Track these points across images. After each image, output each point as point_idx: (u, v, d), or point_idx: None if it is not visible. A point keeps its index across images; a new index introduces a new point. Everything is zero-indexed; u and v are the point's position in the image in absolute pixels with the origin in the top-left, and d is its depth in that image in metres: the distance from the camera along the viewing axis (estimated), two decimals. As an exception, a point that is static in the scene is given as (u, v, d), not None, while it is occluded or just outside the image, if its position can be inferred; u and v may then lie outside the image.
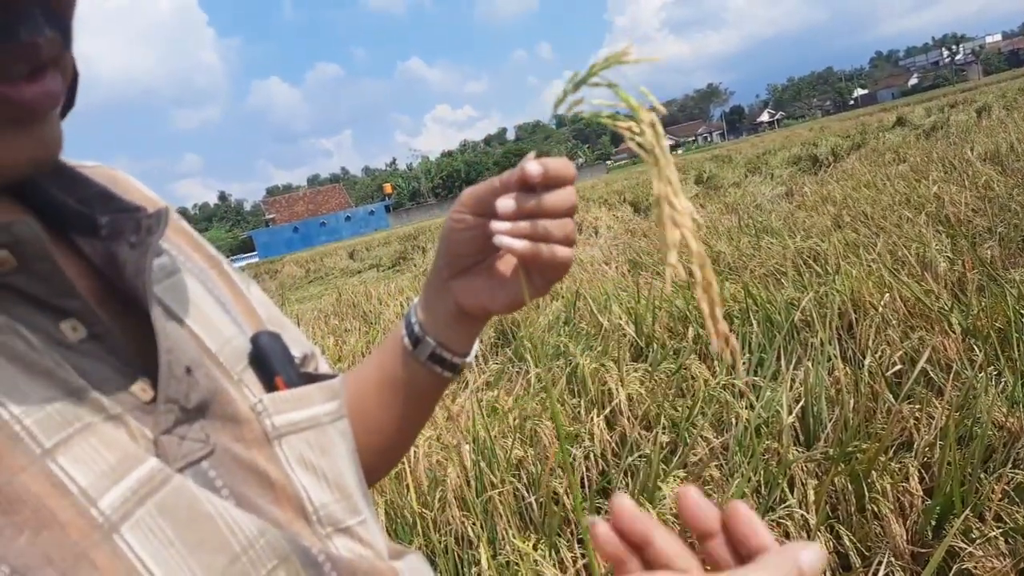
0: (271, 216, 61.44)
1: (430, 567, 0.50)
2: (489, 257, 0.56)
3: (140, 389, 0.36)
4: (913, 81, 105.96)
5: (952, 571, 1.57)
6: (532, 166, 0.49)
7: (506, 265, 0.56)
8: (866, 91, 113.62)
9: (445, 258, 0.57)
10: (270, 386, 0.43)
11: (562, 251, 0.51)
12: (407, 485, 2.28)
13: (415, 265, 13.21)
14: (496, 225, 0.51)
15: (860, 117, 28.61)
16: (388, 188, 66.92)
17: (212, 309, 0.44)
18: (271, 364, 0.44)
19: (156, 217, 0.41)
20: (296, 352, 0.49)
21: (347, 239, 41.15)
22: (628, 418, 2.60)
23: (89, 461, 0.31)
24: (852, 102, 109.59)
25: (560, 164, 0.50)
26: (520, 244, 0.50)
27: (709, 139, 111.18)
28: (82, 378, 0.33)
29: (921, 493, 1.84)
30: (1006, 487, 1.78)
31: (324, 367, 0.55)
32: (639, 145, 0.41)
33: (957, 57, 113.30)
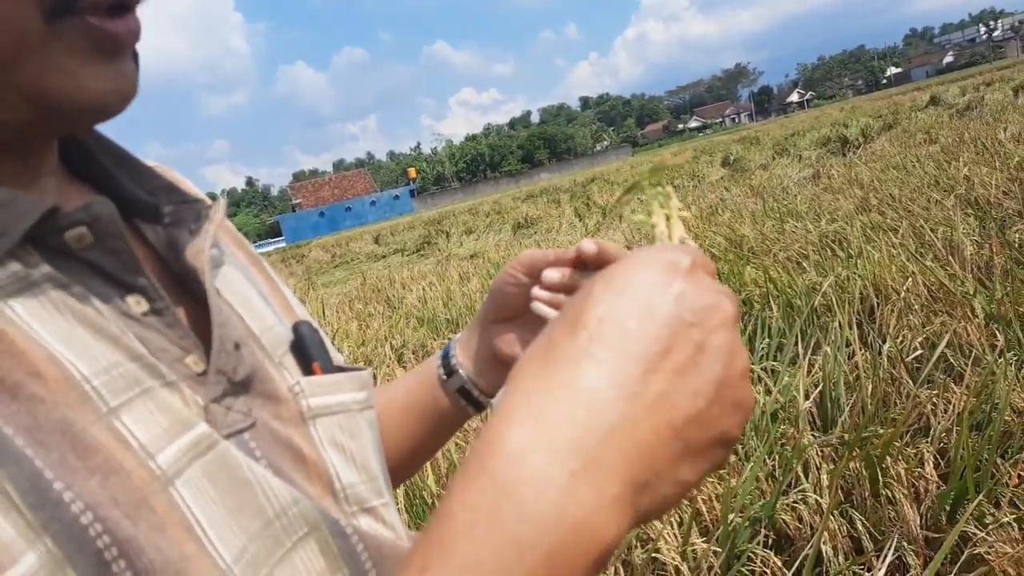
0: (297, 201, 61.99)
1: None
2: (530, 315, 0.60)
3: (192, 361, 0.39)
4: (948, 59, 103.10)
5: (964, 556, 1.58)
6: (588, 244, 0.53)
7: (541, 327, 0.59)
8: (899, 70, 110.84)
9: (490, 305, 0.62)
10: (307, 371, 0.46)
11: None
12: (425, 467, 2.33)
13: (439, 250, 13.28)
14: (537, 292, 0.56)
15: (892, 97, 27.98)
16: (412, 172, 67.10)
17: (255, 299, 0.48)
18: (309, 351, 0.47)
19: (214, 208, 0.45)
20: None
21: (372, 223, 41.40)
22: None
23: (148, 421, 0.34)
24: (885, 81, 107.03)
25: (614, 249, 0.53)
26: (553, 315, 0.54)
27: (737, 120, 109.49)
28: (143, 346, 0.37)
29: (936, 478, 1.83)
30: (1021, 473, 1.77)
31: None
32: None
33: (995, 33, 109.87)
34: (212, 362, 0.39)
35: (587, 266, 0.54)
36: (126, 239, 0.38)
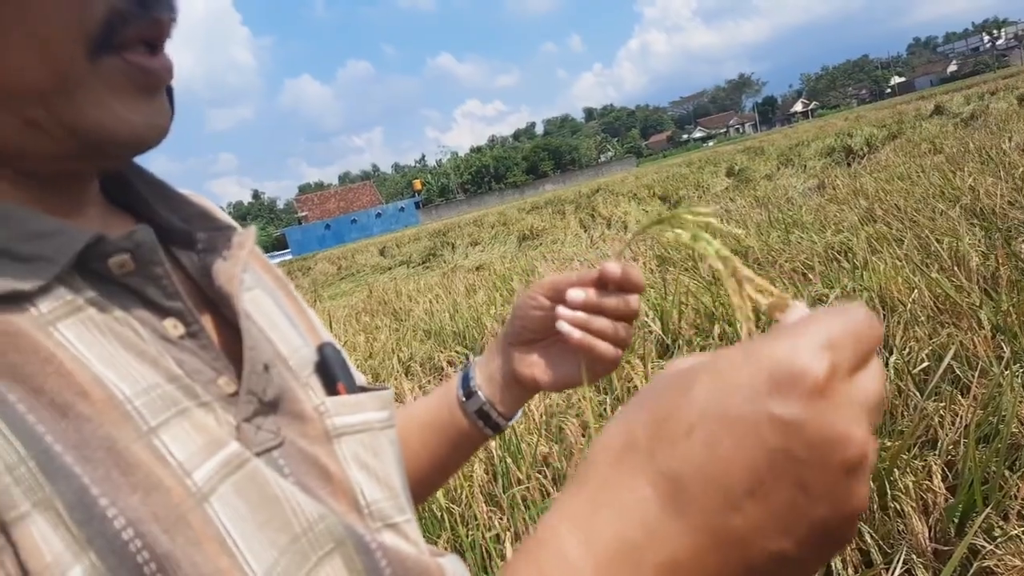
0: (303, 214, 62.24)
1: (466, 569, 0.54)
2: (550, 338, 0.62)
3: (224, 383, 0.41)
4: (952, 68, 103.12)
5: (973, 568, 1.58)
6: (612, 266, 0.56)
7: (561, 349, 0.62)
8: (903, 79, 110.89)
9: (512, 327, 0.63)
10: (332, 391, 0.48)
11: (611, 350, 0.58)
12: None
13: (444, 261, 13.31)
14: (562, 311, 0.58)
15: (897, 106, 28.00)
16: (418, 184, 67.32)
17: (282, 322, 0.50)
18: (333, 372, 0.49)
19: (246, 235, 0.48)
20: None
21: (378, 236, 41.50)
22: (652, 415, 2.62)
23: (184, 440, 0.36)
24: (889, 90, 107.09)
25: (636, 273, 0.57)
26: (577, 334, 0.58)
27: (741, 130, 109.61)
28: (179, 368, 0.39)
29: (944, 491, 1.84)
30: (1030, 485, 1.77)
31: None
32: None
33: (999, 42, 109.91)
34: (243, 383, 0.41)
35: (609, 286, 0.56)
36: (165, 266, 0.40)
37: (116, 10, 0.37)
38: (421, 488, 0.67)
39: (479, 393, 0.65)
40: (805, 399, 0.26)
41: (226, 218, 0.53)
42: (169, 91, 0.45)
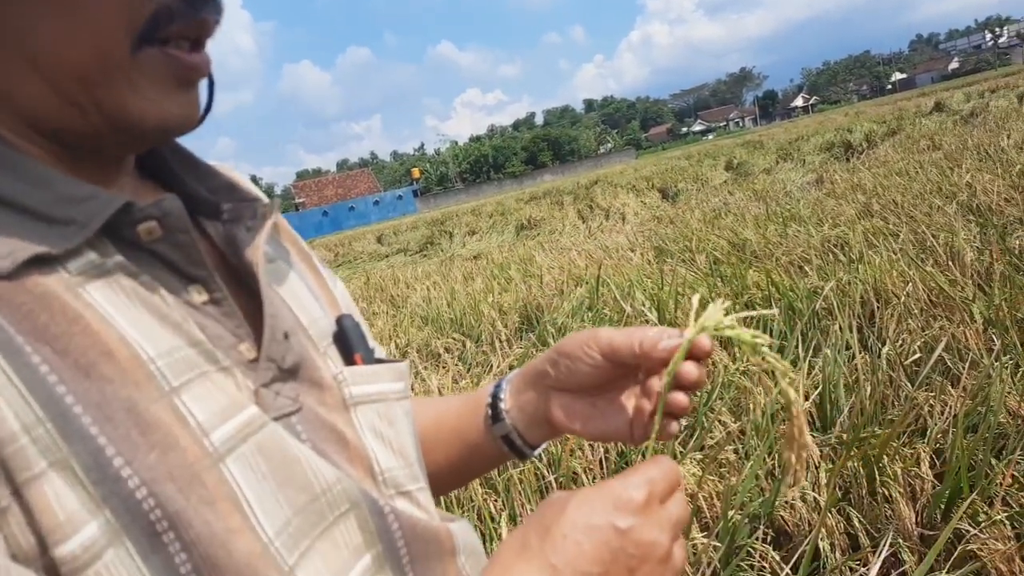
0: (301, 200, 62.00)
1: (475, 533, 0.55)
2: (597, 391, 0.59)
3: (245, 349, 0.43)
4: (954, 65, 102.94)
5: (957, 552, 1.62)
6: (707, 341, 0.53)
7: (608, 403, 0.59)
8: (904, 75, 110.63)
9: (557, 372, 0.59)
10: (350, 361, 0.49)
11: (675, 426, 0.55)
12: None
13: (442, 250, 13.31)
14: (655, 385, 0.54)
15: (897, 102, 27.98)
16: (416, 173, 67.02)
17: (304, 293, 0.51)
18: (351, 343, 0.51)
19: (270, 207, 0.49)
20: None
21: (375, 223, 41.39)
22: (647, 402, 2.65)
23: (205, 402, 0.38)
24: (890, 87, 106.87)
25: (709, 344, 0.54)
26: (675, 428, 0.55)
27: (741, 124, 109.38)
28: (202, 333, 0.41)
29: (931, 478, 1.87)
30: (1015, 473, 1.81)
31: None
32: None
33: (1001, 40, 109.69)
34: (263, 350, 0.42)
35: (701, 360, 0.53)
36: (191, 234, 0.42)
37: (165, 6, 0.39)
38: (439, 487, 0.66)
39: (506, 420, 0.62)
40: (633, 515, 0.42)
41: (253, 190, 0.55)
42: (211, 84, 0.47)
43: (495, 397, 0.63)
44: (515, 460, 0.65)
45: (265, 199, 0.52)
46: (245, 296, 0.45)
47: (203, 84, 0.47)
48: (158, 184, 0.49)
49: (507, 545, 0.44)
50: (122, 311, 0.38)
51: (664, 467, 0.46)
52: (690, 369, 0.52)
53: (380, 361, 0.52)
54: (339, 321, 0.52)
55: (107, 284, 0.38)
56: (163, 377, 0.37)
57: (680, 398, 0.53)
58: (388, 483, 0.47)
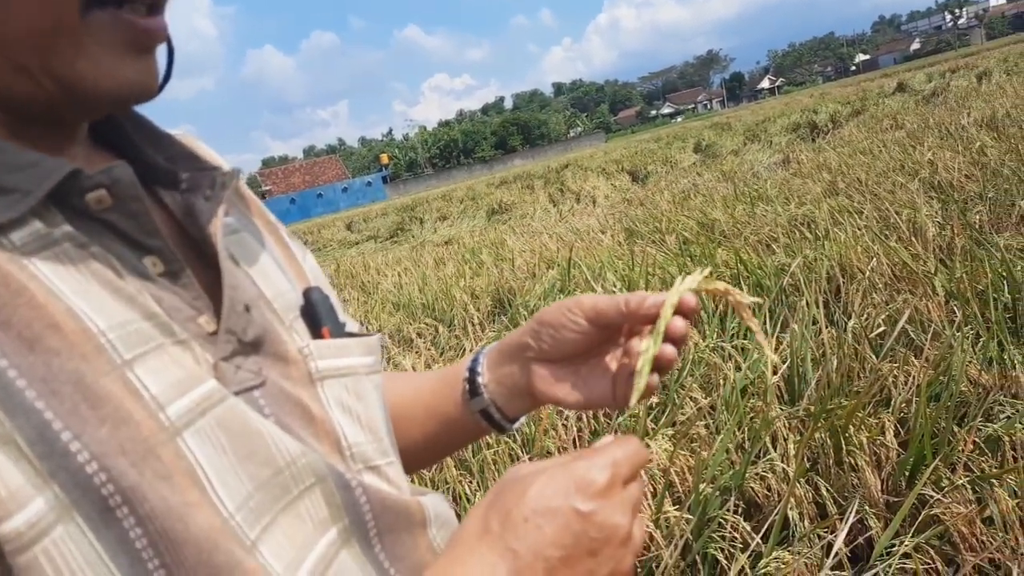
0: (267, 188, 61.08)
1: (450, 507, 0.55)
2: (580, 358, 0.59)
3: (205, 321, 0.41)
4: (915, 46, 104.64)
5: (921, 516, 1.66)
6: (693, 298, 0.54)
7: (591, 370, 0.59)
8: (868, 57, 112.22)
9: (537, 342, 0.58)
10: (317, 335, 0.48)
11: (656, 378, 0.56)
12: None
13: (413, 236, 13.23)
14: (640, 346, 0.54)
15: (861, 83, 28.38)
16: (385, 159, 66.41)
17: (270, 266, 0.50)
18: (319, 316, 0.49)
19: (229, 175, 0.47)
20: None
21: (344, 210, 40.96)
22: (619, 380, 2.67)
23: (160, 375, 0.37)
24: (854, 68, 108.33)
25: (695, 301, 0.55)
26: (656, 380, 0.55)
27: (709, 107, 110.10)
28: (158, 305, 0.39)
29: (896, 446, 1.92)
30: (976, 439, 1.86)
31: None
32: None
33: (960, 21, 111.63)
34: (222, 322, 0.41)
35: (688, 317, 0.54)
36: (143, 202, 0.40)
37: None
38: (414, 463, 0.65)
39: (484, 394, 0.62)
40: (594, 499, 0.42)
41: (214, 159, 0.53)
42: (171, 54, 0.45)
43: (472, 371, 0.62)
44: (494, 434, 0.64)
45: (226, 167, 0.50)
46: (205, 268, 0.44)
47: (163, 53, 0.45)
48: (114, 154, 0.47)
49: (468, 526, 0.43)
50: (70, 283, 0.36)
51: (629, 449, 0.45)
52: (678, 323, 0.54)
53: (350, 335, 0.51)
54: (306, 294, 0.50)
55: (54, 255, 0.36)
56: (114, 350, 0.35)
57: (669, 350, 0.54)
58: (356, 458, 0.46)
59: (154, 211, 0.42)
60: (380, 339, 0.53)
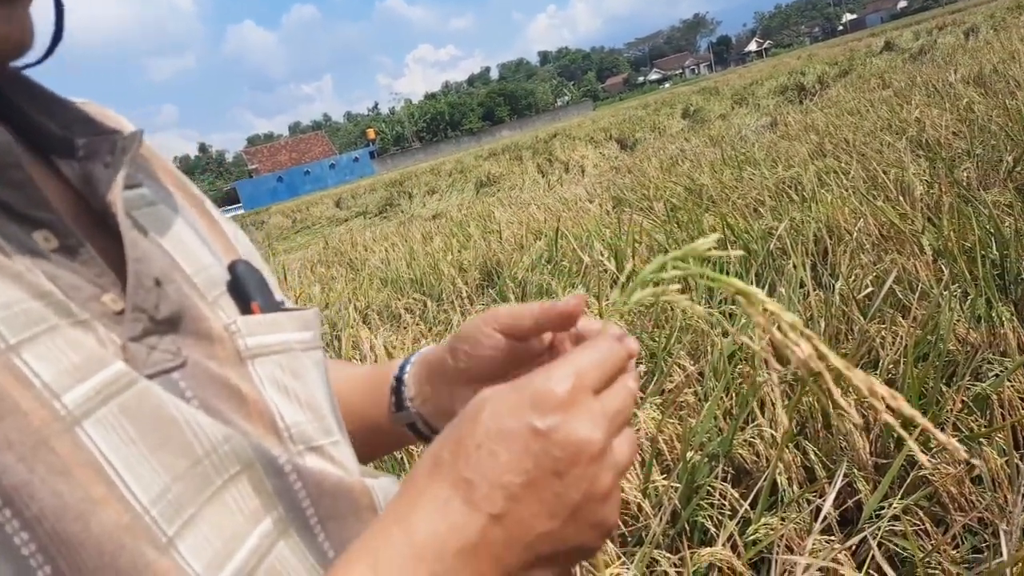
0: (254, 166, 60.48)
1: None
2: (503, 379, 0.56)
3: (110, 299, 0.37)
4: (903, 3, 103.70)
5: (910, 478, 1.65)
6: (635, 344, 0.45)
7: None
8: (855, 16, 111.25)
9: (456, 360, 0.55)
10: (246, 311, 0.45)
11: None
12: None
13: (402, 211, 13.13)
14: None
15: (849, 43, 28.13)
16: (371, 134, 65.79)
17: (190, 239, 0.46)
18: (248, 290, 0.46)
19: (130, 139, 0.43)
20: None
21: (332, 187, 40.65)
22: (607, 350, 2.65)
23: (53, 359, 0.33)
24: (841, 28, 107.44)
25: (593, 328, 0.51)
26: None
27: (696, 71, 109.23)
28: (52, 284, 0.35)
29: (885, 408, 1.90)
30: (964, 398, 1.85)
31: None
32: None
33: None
34: (128, 299, 0.37)
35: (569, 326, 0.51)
36: (25, 170, 0.36)
37: None
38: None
39: (410, 408, 0.60)
40: (553, 412, 0.36)
41: (115, 122, 0.49)
42: (59, 9, 0.41)
43: (399, 381, 0.60)
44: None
45: (129, 129, 0.45)
46: (111, 243, 0.40)
47: (49, 9, 0.41)
48: None
49: (420, 465, 0.38)
50: None
51: (598, 353, 0.39)
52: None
53: (283, 310, 0.47)
54: (232, 267, 0.47)
55: None
56: None
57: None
58: (295, 438, 0.43)
59: (48, 181, 0.38)
60: (316, 313, 0.50)
